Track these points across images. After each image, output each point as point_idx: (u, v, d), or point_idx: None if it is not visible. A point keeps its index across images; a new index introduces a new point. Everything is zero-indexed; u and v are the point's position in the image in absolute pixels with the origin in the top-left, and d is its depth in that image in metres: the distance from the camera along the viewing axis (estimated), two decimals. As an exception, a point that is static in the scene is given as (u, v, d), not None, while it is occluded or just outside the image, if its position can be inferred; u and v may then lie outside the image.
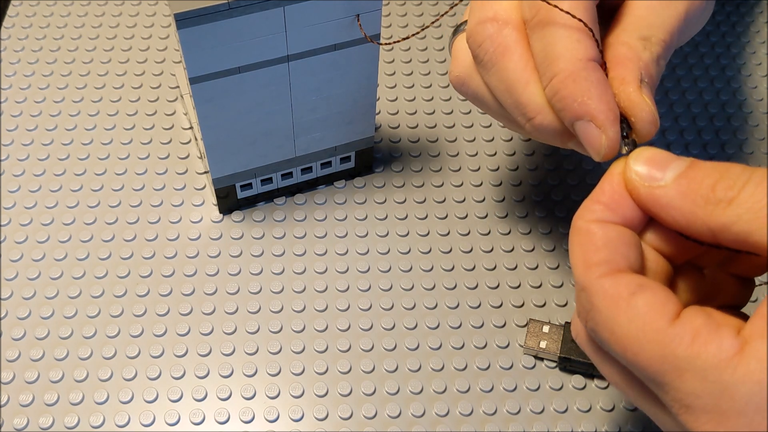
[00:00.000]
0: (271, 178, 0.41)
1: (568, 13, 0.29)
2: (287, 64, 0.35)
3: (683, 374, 0.23)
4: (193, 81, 0.34)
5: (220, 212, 0.41)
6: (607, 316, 0.25)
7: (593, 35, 0.29)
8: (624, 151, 0.28)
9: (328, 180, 0.42)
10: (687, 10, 0.31)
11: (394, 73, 0.48)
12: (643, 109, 0.28)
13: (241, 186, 0.40)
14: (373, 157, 0.43)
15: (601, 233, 0.26)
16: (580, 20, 0.29)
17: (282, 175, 0.41)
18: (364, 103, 0.39)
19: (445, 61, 0.48)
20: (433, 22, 0.37)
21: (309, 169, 0.41)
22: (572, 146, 0.31)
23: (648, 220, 0.27)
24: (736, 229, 0.24)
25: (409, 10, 0.51)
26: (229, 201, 0.41)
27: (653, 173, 0.26)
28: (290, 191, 0.42)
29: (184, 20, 0.31)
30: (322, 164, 0.41)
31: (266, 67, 0.35)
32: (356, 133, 0.40)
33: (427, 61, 0.48)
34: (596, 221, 0.26)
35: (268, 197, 0.42)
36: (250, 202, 0.42)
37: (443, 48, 0.49)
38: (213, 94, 0.35)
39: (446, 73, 0.48)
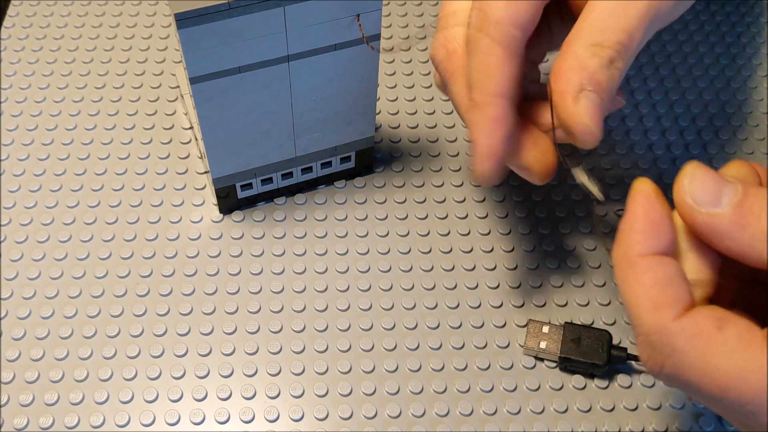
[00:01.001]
0: (271, 178, 0.41)
1: None
2: (287, 64, 0.35)
3: None
4: (193, 81, 0.34)
5: (221, 212, 0.41)
6: (697, 357, 0.24)
7: (516, 62, 0.30)
8: (566, 165, 0.29)
9: (329, 180, 0.42)
10: (651, 7, 0.29)
11: (394, 73, 0.48)
12: (576, 121, 0.28)
13: (242, 186, 0.40)
14: (373, 157, 0.43)
15: (662, 269, 0.25)
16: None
17: (282, 175, 0.41)
18: (364, 103, 0.39)
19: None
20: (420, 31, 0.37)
21: (309, 169, 0.41)
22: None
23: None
24: None
25: (409, 10, 0.51)
26: (229, 201, 0.41)
27: (708, 199, 0.25)
28: (290, 191, 0.42)
29: (184, 20, 0.31)
30: (322, 164, 0.41)
31: (266, 67, 0.35)
32: (356, 133, 0.40)
33: (428, 61, 0.48)
34: (651, 255, 0.25)
35: (269, 197, 0.42)
36: (250, 202, 0.42)
37: (443, 48, 0.49)
38: (213, 94, 0.35)
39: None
